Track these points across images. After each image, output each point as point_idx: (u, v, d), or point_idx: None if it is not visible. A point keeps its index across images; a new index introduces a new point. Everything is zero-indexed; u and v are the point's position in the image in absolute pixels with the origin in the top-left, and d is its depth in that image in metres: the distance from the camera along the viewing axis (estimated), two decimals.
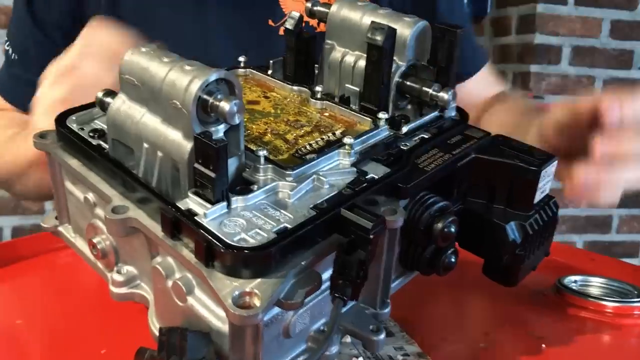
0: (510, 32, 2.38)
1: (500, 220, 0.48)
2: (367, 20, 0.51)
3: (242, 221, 0.37)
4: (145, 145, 0.41)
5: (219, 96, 0.38)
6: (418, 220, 0.44)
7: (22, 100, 0.79)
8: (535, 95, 2.19)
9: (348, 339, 0.48)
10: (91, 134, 0.45)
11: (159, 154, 0.40)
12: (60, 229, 0.52)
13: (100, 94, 0.44)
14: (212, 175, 0.37)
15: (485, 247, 0.49)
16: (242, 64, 0.56)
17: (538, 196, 0.49)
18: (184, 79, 0.38)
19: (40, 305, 0.54)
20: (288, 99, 0.52)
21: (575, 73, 2.31)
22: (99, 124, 0.47)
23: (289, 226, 0.37)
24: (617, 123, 0.53)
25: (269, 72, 0.56)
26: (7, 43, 0.85)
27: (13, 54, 0.83)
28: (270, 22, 0.84)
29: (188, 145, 0.38)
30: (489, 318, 0.56)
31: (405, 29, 0.49)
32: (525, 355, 0.49)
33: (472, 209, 0.49)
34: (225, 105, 0.37)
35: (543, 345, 0.50)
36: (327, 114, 0.50)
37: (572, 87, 2.30)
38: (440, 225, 0.43)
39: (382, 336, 0.42)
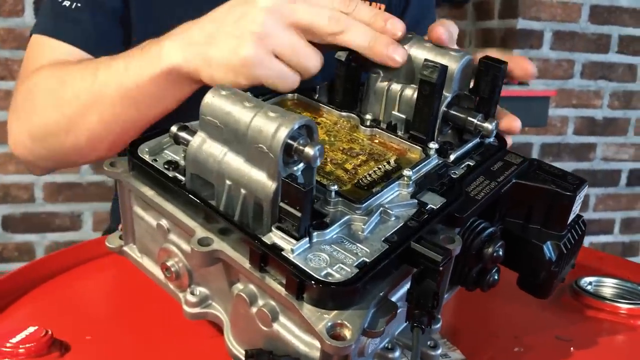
0: (493, 17, 2.43)
1: (537, 240, 0.53)
2: (413, 52, 0.54)
3: (325, 256, 0.41)
4: (228, 182, 0.44)
5: (301, 141, 0.41)
6: (470, 245, 0.48)
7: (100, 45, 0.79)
8: (519, 82, 2.25)
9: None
10: (166, 166, 0.48)
11: (242, 191, 0.43)
12: (125, 248, 0.55)
13: (174, 129, 0.47)
14: (299, 214, 0.41)
15: (523, 264, 0.54)
16: None
17: (571, 217, 0.54)
18: (271, 126, 0.41)
19: (105, 320, 0.57)
20: (338, 125, 0.56)
21: (556, 57, 2.37)
22: (170, 154, 0.50)
23: (367, 260, 0.41)
24: None
25: (315, 96, 0.59)
26: None
27: (75, 3, 0.81)
28: None
29: (272, 185, 0.42)
30: (517, 322, 0.61)
31: (452, 63, 0.52)
32: (559, 359, 0.54)
33: (510, 229, 0.54)
34: (310, 151, 0.41)
35: (572, 349, 0.55)
36: (377, 141, 0.54)
37: (553, 71, 2.37)
38: (490, 250, 0.48)
39: (439, 351, 0.47)
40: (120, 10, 0.82)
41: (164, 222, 0.49)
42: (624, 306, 0.63)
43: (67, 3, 0.80)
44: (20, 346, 0.49)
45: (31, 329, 0.51)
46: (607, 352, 0.57)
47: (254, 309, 0.43)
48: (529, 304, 0.63)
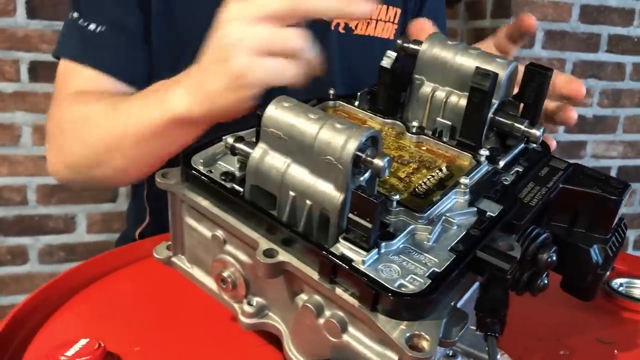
0: (485, 16, 2.45)
1: (584, 244, 0.53)
2: (459, 59, 0.55)
3: (396, 267, 0.41)
4: (292, 193, 0.44)
5: (369, 152, 0.41)
6: (525, 251, 0.49)
7: (129, 72, 0.82)
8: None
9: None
10: (223, 177, 0.48)
11: (308, 202, 0.43)
12: (174, 259, 0.54)
13: (230, 140, 0.47)
14: (369, 226, 0.41)
15: (569, 267, 0.55)
16: (331, 96, 0.59)
17: (615, 220, 0.55)
18: (339, 139, 0.41)
19: (151, 328, 0.57)
20: (383, 132, 0.56)
21: (547, 56, 2.40)
22: (224, 165, 0.50)
23: (437, 270, 0.41)
24: None
25: (356, 103, 0.59)
26: (85, 19, 0.83)
27: (99, 27, 0.82)
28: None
29: (340, 197, 0.42)
30: (557, 325, 0.62)
31: (500, 70, 0.53)
32: None
33: (556, 233, 0.54)
34: (379, 162, 0.41)
35: (615, 351, 0.56)
36: (424, 148, 0.54)
37: None
38: (545, 256, 0.49)
39: (498, 357, 0.47)
40: (142, 29, 0.82)
41: (220, 233, 0.49)
42: None
43: (92, 27, 0.81)
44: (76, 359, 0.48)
45: (83, 342, 0.50)
46: None
47: (321, 320, 0.43)
48: (564, 306, 0.64)
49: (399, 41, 0.57)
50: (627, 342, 0.58)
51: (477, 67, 0.51)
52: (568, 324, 0.62)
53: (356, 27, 0.92)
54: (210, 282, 0.52)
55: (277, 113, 0.44)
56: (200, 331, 0.56)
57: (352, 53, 0.93)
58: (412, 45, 0.57)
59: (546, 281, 0.52)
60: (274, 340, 0.51)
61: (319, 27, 0.88)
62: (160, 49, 0.83)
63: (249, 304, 0.49)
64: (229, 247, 0.49)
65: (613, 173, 2.58)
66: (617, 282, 0.69)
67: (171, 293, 0.62)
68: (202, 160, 0.49)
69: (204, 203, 0.48)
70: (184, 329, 0.56)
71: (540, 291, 0.52)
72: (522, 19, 0.68)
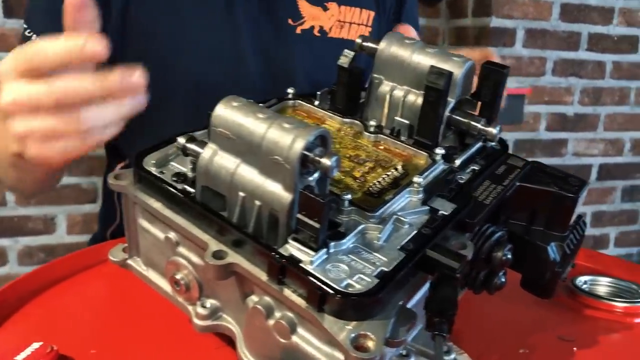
0: (466, 15, 2.45)
1: (542, 242, 0.53)
2: (416, 58, 0.55)
3: (344, 266, 0.41)
4: (242, 194, 0.44)
5: (317, 152, 0.41)
6: (480, 249, 0.49)
7: None
8: None
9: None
10: (175, 179, 0.47)
11: (257, 202, 0.43)
12: (129, 262, 0.54)
13: (182, 141, 0.47)
14: (317, 225, 0.40)
15: (527, 265, 0.55)
16: (290, 95, 0.59)
17: (573, 218, 0.55)
18: (287, 138, 0.41)
19: (108, 331, 0.56)
20: (342, 132, 0.56)
21: (528, 55, 2.41)
22: (177, 166, 0.49)
23: (386, 269, 0.41)
24: None
25: (316, 102, 0.59)
26: (29, 30, 0.81)
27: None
28: (290, 21, 0.87)
29: (289, 197, 0.41)
30: (518, 323, 0.62)
31: (456, 68, 0.53)
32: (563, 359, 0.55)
33: (514, 231, 0.54)
34: (327, 162, 0.40)
35: (575, 349, 0.56)
36: (382, 147, 0.54)
37: (525, 69, 2.41)
38: (500, 254, 0.48)
39: (453, 356, 0.47)
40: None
41: (173, 235, 0.48)
42: (620, 305, 0.64)
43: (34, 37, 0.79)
44: None
45: (36, 345, 0.49)
46: (608, 351, 0.58)
47: (271, 321, 0.43)
48: (527, 304, 0.63)
49: (358, 40, 0.57)
50: (587, 340, 0.58)
51: (432, 66, 0.51)
52: (530, 322, 0.62)
53: (330, 29, 0.92)
54: (165, 285, 0.52)
55: (226, 112, 0.44)
56: (158, 333, 0.55)
57: (326, 55, 0.93)
58: (370, 44, 0.57)
59: (503, 279, 0.52)
60: (232, 342, 0.50)
61: (280, 28, 0.88)
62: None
63: (203, 306, 0.48)
64: (181, 249, 0.48)
65: (594, 170, 2.59)
66: (581, 279, 0.69)
67: (129, 296, 0.61)
68: (154, 162, 0.49)
69: (156, 205, 0.48)
70: (141, 332, 0.56)
71: (497, 290, 0.52)
72: None
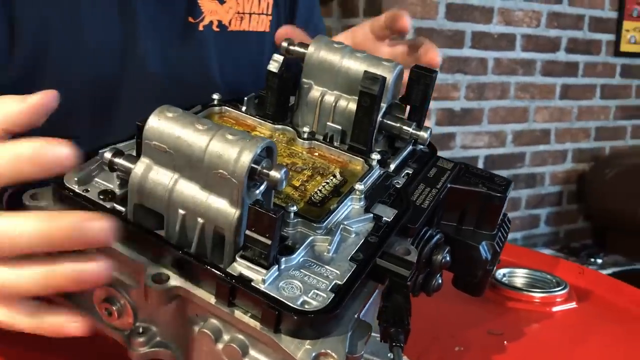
0: (357, 14, 2.50)
1: (473, 241, 0.55)
2: (346, 62, 0.54)
3: (297, 283, 0.39)
4: (181, 211, 0.41)
5: (264, 164, 0.39)
6: (420, 253, 0.49)
7: None
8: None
9: None
10: (101, 197, 0.44)
11: (200, 220, 0.40)
12: None
13: (108, 155, 0.43)
14: (268, 242, 0.38)
15: (459, 265, 0.56)
16: (216, 101, 0.56)
17: (500, 217, 0.56)
18: (232, 151, 0.38)
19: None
20: (274, 139, 0.54)
21: None
22: (102, 182, 0.45)
23: (339, 282, 0.40)
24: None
25: (243, 108, 0.57)
26: None
27: None
28: (190, 19, 0.84)
29: (236, 213, 0.39)
30: (449, 321, 0.63)
31: (387, 73, 0.53)
32: (497, 354, 0.57)
33: (446, 232, 0.55)
34: (276, 174, 0.39)
35: (505, 342, 0.58)
36: (316, 154, 0.53)
37: None
38: (439, 257, 0.49)
39: None
40: None
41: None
42: (538, 295, 0.68)
43: None
44: None
45: None
46: (536, 341, 0.61)
47: (220, 345, 0.40)
48: (454, 301, 0.65)
49: (284, 44, 0.55)
50: (514, 332, 0.61)
51: (366, 71, 0.51)
52: (460, 319, 0.64)
53: (230, 23, 0.89)
54: (93, 311, 0.47)
55: (160, 124, 0.40)
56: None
57: (229, 50, 0.90)
58: (297, 48, 0.55)
59: (440, 281, 0.52)
60: None
61: (181, 28, 0.85)
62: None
63: (138, 333, 0.45)
64: (111, 273, 0.44)
65: (480, 162, 2.74)
66: (500, 272, 0.72)
67: None
68: (76, 179, 0.44)
69: None
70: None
71: (436, 291, 0.53)
72: (397, 19, 0.68)
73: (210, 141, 0.39)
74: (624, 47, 2.90)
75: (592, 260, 2.62)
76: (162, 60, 0.83)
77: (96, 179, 0.46)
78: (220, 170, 0.39)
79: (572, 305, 0.67)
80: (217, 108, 0.56)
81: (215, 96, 0.56)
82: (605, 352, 0.59)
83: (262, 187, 0.41)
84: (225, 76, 0.90)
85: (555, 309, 0.67)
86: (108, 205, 0.43)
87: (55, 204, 0.45)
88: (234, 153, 0.38)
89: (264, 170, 0.39)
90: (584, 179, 2.95)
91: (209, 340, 0.40)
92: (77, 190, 0.44)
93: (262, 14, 0.93)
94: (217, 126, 0.40)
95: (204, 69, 0.87)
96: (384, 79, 0.50)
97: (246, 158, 0.38)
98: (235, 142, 0.39)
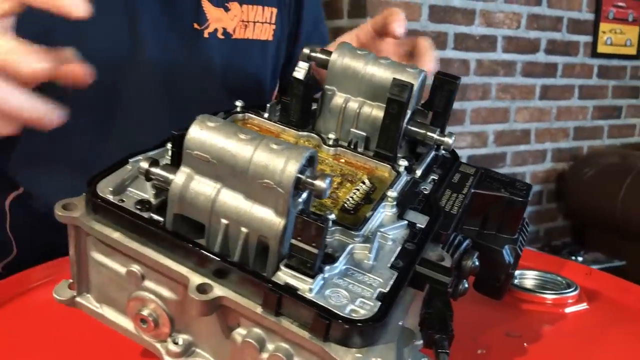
0: (342, 16, 2.51)
1: (496, 245, 0.55)
2: (371, 69, 0.54)
3: (343, 291, 0.40)
4: (224, 221, 0.40)
5: (308, 173, 0.39)
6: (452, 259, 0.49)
7: None
8: None
9: None
10: (139, 207, 0.43)
11: (244, 230, 0.40)
12: (79, 299, 0.48)
13: (145, 165, 0.42)
14: (315, 251, 0.39)
15: (482, 268, 0.56)
16: (239, 108, 0.56)
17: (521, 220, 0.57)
18: (278, 161, 0.38)
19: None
20: None
21: None
22: (136, 192, 0.45)
23: (384, 290, 0.40)
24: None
25: (265, 115, 0.57)
26: None
27: None
28: (196, 26, 0.84)
29: (281, 222, 0.39)
30: (469, 324, 0.64)
31: (412, 79, 0.53)
32: (519, 356, 0.57)
33: (469, 237, 0.56)
34: (321, 184, 0.39)
35: (525, 344, 0.59)
36: (342, 161, 0.53)
37: None
38: (469, 262, 0.49)
39: None
40: None
41: (137, 268, 0.44)
42: (550, 296, 0.69)
43: None
44: None
45: None
46: (555, 343, 0.61)
47: (265, 355, 0.40)
48: (470, 302, 0.66)
49: (306, 50, 0.56)
50: (532, 334, 0.62)
51: (395, 79, 0.51)
52: (478, 321, 0.64)
53: (234, 31, 0.89)
54: (125, 322, 0.47)
55: (202, 134, 0.40)
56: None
57: (233, 57, 0.91)
58: (320, 55, 0.55)
59: (467, 285, 0.53)
60: None
61: (187, 34, 0.84)
62: None
63: (175, 342, 0.45)
64: (148, 283, 0.44)
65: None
66: None
67: (69, 334, 0.55)
68: (110, 189, 0.44)
69: (116, 235, 0.43)
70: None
71: (462, 295, 0.53)
72: (387, 24, 0.71)
73: (255, 151, 0.39)
74: (601, 48, 2.96)
75: (573, 258, 2.66)
76: (167, 66, 0.82)
77: (129, 188, 0.45)
78: (266, 180, 0.39)
79: (584, 306, 0.68)
80: (240, 115, 0.56)
81: (239, 103, 0.56)
82: (624, 352, 0.60)
83: (305, 196, 0.41)
84: (228, 83, 0.90)
85: (567, 310, 0.68)
86: (146, 215, 0.43)
87: (88, 215, 0.44)
88: (280, 163, 0.38)
89: (309, 180, 0.39)
90: (563, 178, 3.01)
91: (253, 350, 0.40)
92: (112, 200, 0.43)
93: (266, 22, 0.93)
94: (260, 136, 0.40)
95: (208, 76, 0.87)
96: (412, 85, 0.51)
97: (292, 168, 0.38)
98: (281, 152, 0.39)
